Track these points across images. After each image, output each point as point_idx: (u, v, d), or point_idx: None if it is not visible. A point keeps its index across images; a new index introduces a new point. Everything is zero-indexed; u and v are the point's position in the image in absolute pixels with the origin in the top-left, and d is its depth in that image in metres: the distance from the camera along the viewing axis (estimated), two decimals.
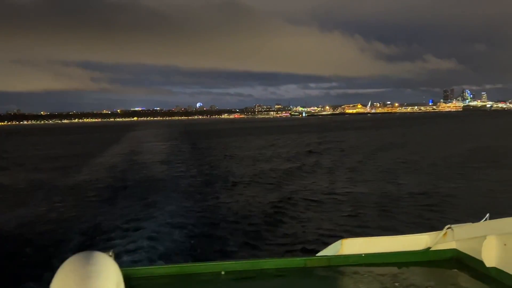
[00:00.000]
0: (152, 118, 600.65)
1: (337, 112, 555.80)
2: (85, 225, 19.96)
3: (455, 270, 5.14)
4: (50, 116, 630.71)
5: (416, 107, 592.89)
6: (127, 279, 4.39)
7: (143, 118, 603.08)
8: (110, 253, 4.02)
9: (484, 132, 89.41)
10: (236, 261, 5.46)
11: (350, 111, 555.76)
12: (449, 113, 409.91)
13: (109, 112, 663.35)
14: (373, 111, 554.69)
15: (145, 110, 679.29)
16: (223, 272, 5.06)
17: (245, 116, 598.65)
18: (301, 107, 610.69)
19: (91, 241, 17.31)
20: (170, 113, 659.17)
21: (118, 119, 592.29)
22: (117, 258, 3.83)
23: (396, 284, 4.69)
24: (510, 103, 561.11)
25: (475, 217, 5.20)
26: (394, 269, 5.14)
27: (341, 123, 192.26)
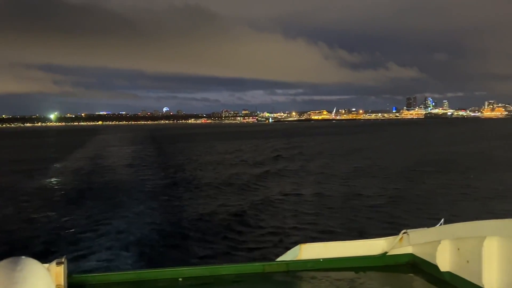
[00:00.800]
0: (117, 123, 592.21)
1: (303, 118, 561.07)
2: (43, 229, 19.87)
3: (411, 274, 5.24)
4: (12, 120, 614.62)
5: (380, 114, 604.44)
6: (82, 286, 4.63)
7: (108, 122, 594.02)
8: (63, 259, 4.18)
9: (440, 139, 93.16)
10: (194, 267, 5.47)
11: (316, 117, 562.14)
12: (411, 120, 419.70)
13: (73, 116, 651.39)
14: (338, 117, 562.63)
15: (110, 114, 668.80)
16: (180, 279, 5.03)
17: (212, 121, 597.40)
18: (268, 112, 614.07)
19: (45, 246, 17.15)
20: (136, 118, 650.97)
21: (82, 123, 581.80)
22: (71, 264, 4.06)
23: None
24: (470, 111, 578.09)
25: (430, 222, 5.43)
26: (351, 274, 5.21)
27: (306, 129, 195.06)
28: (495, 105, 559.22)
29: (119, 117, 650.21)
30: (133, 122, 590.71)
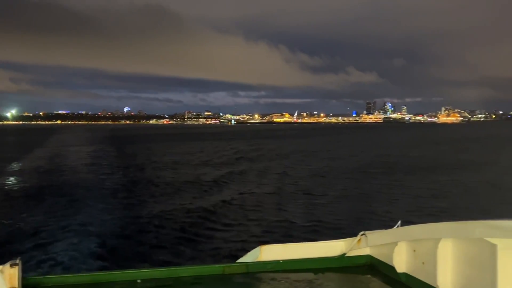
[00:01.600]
0: (77, 122, 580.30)
1: (265, 120, 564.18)
2: None
3: (368, 275, 5.33)
4: None
5: (340, 118, 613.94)
6: None
7: (67, 122, 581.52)
8: (17, 261, 4.18)
9: (392, 143, 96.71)
10: (152, 269, 5.41)
11: (278, 120, 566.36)
12: (370, 124, 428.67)
13: (31, 114, 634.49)
14: (299, 120, 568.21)
15: (69, 114, 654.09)
16: (139, 281, 4.96)
17: (174, 122, 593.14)
18: (230, 114, 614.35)
19: None
20: (96, 117, 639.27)
21: (40, 122, 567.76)
22: (26, 265, 4.62)
23: None
24: (427, 116, 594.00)
25: (386, 224, 5.65)
26: (310, 275, 5.27)
27: (268, 132, 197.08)
28: (451, 111, 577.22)
29: (79, 117, 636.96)
30: (93, 122, 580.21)
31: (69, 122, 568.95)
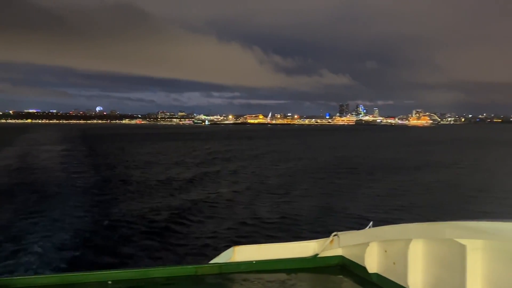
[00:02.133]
0: (48, 121, 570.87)
1: (239, 121, 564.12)
2: None
3: (340, 276, 5.35)
4: None
5: (313, 119, 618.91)
6: None
7: (38, 121, 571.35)
8: None
9: (361, 145, 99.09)
10: (123, 270, 5.28)
11: (252, 121, 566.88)
12: (342, 127, 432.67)
13: (0, 113, 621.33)
14: (273, 122, 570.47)
15: (40, 112, 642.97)
16: (109, 282, 4.88)
17: (147, 122, 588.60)
18: (204, 115, 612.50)
19: None
20: (68, 117, 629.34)
21: (10, 121, 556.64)
22: None
23: None
24: (398, 119, 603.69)
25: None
26: (283, 276, 5.28)
27: (241, 132, 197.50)
28: (421, 114, 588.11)
29: (50, 116, 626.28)
30: (64, 121, 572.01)
31: (40, 121, 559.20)
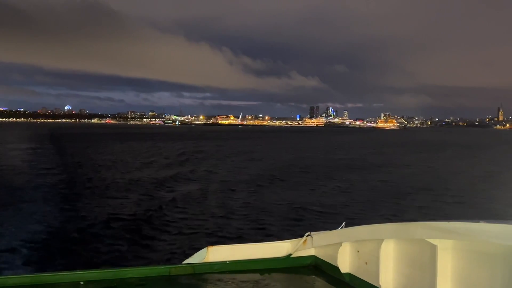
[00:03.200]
0: (15, 119, 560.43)
1: (210, 122, 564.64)
2: None
3: (313, 276, 5.38)
4: None
5: (284, 121, 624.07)
6: None
7: (4, 119, 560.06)
8: None
9: (322, 145, 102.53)
10: (96, 270, 5.25)
11: (223, 122, 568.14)
12: (311, 128, 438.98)
13: None
14: (244, 123, 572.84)
15: (7, 111, 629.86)
16: (82, 282, 4.85)
17: (117, 122, 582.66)
18: (175, 115, 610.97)
19: None
20: (35, 115, 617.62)
21: None
22: None
23: None
24: (367, 121, 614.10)
25: (332, 225, 5.72)
26: (257, 276, 5.30)
27: (212, 133, 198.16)
28: (389, 117, 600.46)
29: (17, 114, 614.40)
30: (32, 120, 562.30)
31: (6, 120, 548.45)
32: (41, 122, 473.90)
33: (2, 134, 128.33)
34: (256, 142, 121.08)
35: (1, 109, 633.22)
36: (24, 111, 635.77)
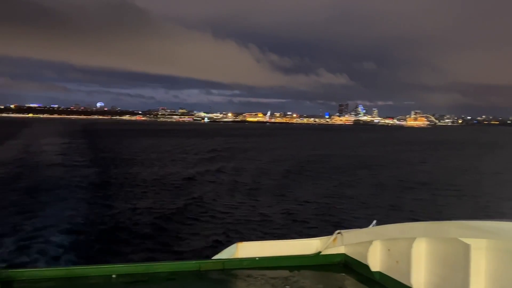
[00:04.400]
0: (49, 116, 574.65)
1: (238, 119, 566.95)
2: None
3: (343, 274, 5.38)
4: None
5: (312, 119, 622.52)
6: (10, 281, 4.67)
7: (39, 115, 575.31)
8: None
9: (348, 143, 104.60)
10: (127, 264, 5.36)
11: (251, 119, 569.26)
12: (340, 126, 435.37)
13: (2, 107, 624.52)
14: (272, 120, 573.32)
15: (41, 107, 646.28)
16: (114, 276, 4.94)
17: (148, 119, 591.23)
18: (204, 112, 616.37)
19: None
20: (69, 112, 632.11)
21: (12, 115, 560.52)
22: (0, 259, 6.13)
23: (287, 287, 4.92)
24: (397, 119, 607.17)
25: (363, 223, 5.71)
26: (286, 272, 5.32)
27: (239, 130, 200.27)
28: (418, 115, 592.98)
29: (51, 110, 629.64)
30: (65, 116, 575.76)
31: (41, 116, 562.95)
32: (74, 119, 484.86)
33: (39, 130, 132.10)
34: (282, 139, 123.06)
35: (36, 105, 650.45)
36: (58, 108, 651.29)
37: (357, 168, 47.51)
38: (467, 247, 3.85)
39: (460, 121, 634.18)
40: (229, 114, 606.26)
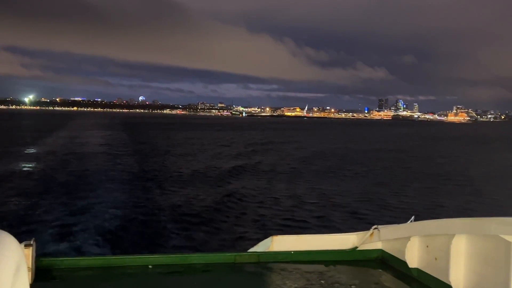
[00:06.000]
0: (92, 109, 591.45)
1: (276, 114, 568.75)
2: (12, 213, 19.78)
3: (380, 270, 5.31)
4: None
5: (350, 113, 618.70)
6: (50, 269, 4.81)
7: (83, 109, 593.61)
8: (32, 241, 4.32)
9: (376, 138, 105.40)
10: (164, 255, 5.56)
11: (289, 113, 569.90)
12: (378, 121, 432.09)
13: (48, 100, 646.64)
14: (310, 115, 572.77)
15: (85, 101, 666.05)
16: (150, 266, 5.04)
17: (187, 113, 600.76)
18: (242, 107, 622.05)
19: (13, 229, 17.67)
20: (112, 105, 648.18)
21: (57, 108, 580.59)
22: (40, 247, 4.40)
23: (322, 281, 4.82)
24: (438, 115, 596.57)
25: (401, 218, 5.59)
26: (321, 267, 5.25)
27: (277, 124, 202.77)
28: (459, 111, 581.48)
29: (95, 104, 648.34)
30: (108, 110, 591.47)
31: (85, 109, 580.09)
32: (116, 112, 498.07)
33: (83, 122, 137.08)
34: (321, 132, 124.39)
35: (80, 99, 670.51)
36: (101, 101, 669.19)
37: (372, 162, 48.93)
38: (508, 245, 3.75)
39: (503, 117, 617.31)
40: (267, 109, 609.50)
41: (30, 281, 4.20)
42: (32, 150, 47.74)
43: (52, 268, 4.79)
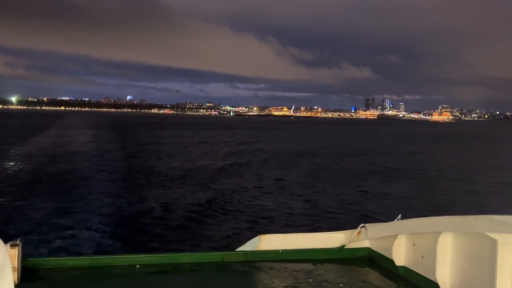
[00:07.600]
0: (80, 109, 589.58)
1: (263, 113, 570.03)
2: (0, 214, 19.50)
3: (367, 268, 5.38)
4: None
5: (336, 113, 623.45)
6: (36, 269, 4.77)
7: (70, 108, 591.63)
8: (18, 241, 4.30)
9: (357, 136, 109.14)
10: (151, 254, 5.57)
11: (277, 113, 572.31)
12: (364, 120, 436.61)
13: (35, 100, 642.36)
14: (297, 114, 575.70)
15: (73, 100, 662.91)
16: (137, 266, 5.05)
17: (175, 112, 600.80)
18: (230, 106, 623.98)
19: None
20: (99, 105, 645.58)
21: (44, 108, 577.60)
22: (26, 247, 4.41)
23: (310, 280, 4.85)
24: (424, 114, 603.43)
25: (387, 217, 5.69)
26: (309, 266, 5.29)
27: (263, 124, 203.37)
28: (443, 110, 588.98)
29: (82, 103, 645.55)
30: (96, 109, 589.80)
31: (72, 109, 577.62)
32: (104, 111, 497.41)
33: (71, 121, 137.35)
34: (307, 130, 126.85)
35: (67, 98, 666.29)
36: (89, 101, 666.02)
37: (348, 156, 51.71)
38: (494, 242, 3.80)
39: (486, 116, 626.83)
40: (255, 108, 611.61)
41: (16, 281, 4.29)
42: (18, 150, 47.23)
43: (39, 268, 4.83)
